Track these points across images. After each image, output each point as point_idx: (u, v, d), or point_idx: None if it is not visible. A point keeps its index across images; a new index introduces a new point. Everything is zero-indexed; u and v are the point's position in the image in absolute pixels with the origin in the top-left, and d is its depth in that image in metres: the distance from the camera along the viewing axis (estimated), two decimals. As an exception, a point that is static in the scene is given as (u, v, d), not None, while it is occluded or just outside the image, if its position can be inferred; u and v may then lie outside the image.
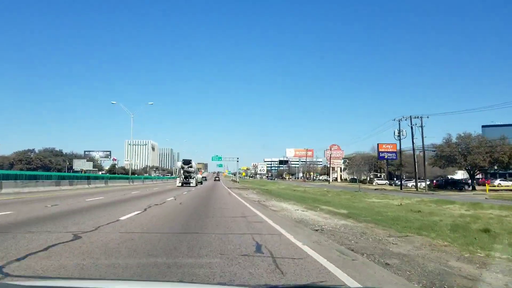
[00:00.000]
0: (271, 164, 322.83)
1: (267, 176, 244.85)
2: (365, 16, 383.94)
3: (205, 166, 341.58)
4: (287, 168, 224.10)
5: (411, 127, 50.31)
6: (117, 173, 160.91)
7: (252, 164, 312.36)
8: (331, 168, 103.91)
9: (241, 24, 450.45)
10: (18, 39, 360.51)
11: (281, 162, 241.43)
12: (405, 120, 53.61)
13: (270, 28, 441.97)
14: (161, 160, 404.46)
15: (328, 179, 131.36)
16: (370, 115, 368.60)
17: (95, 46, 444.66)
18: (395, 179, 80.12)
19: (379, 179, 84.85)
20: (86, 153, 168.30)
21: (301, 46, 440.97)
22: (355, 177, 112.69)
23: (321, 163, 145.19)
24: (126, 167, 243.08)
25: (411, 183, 62.75)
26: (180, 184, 51.03)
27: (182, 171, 52.68)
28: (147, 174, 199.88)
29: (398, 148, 54.10)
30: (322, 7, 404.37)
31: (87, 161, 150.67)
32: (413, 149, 50.77)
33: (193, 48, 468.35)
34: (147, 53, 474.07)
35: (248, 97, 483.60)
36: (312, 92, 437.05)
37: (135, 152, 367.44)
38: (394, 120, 54.73)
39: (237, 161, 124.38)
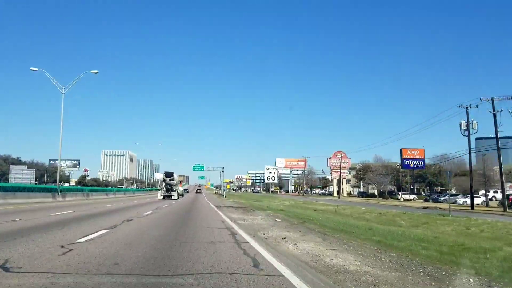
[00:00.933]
0: (255, 176, 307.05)
1: (252, 190, 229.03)
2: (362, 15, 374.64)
3: (186, 178, 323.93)
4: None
5: (494, 114, 34.08)
6: (87, 184, 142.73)
7: (236, 177, 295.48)
8: (341, 179, 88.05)
9: (225, 30, 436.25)
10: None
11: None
12: (464, 108, 37.76)
13: (252, 33, 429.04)
14: (140, 172, 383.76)
15: (327, 192, 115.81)
16: (369, 124, 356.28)
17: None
18: (423, 193, 64.40)
19: (404, 193, 68.55)
20: (52, 162, 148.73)
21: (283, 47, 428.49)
22: (364, 191, 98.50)
23: (315, 174, 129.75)
24: (100, 179, 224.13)
25: (461, 199, 47.36)
26: (161, 197, 49.45)
27: (164, 184, 51.56)
28: (124, 186, 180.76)
29: (468, 145, 37.44)
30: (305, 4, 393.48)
31: (52, 170, 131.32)
32: (498, 146, 34.43)
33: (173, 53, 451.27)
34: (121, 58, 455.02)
35: (229, 109, 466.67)
36: (301, 100, 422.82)
37: (112, 163, 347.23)
38: (459, 106, 38.58)
39: (222, 171, 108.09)
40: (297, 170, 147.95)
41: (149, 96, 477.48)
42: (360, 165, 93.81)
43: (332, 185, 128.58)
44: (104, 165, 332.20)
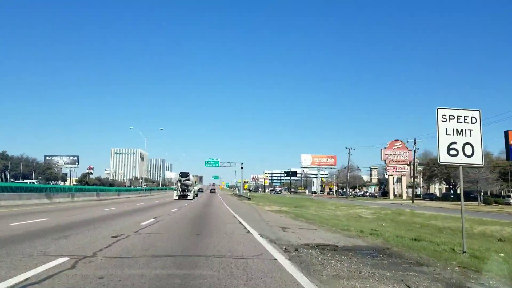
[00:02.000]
0: (271, 176, 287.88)
1: (271, 190, 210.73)
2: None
3: (200, 178, 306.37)
4: (297, 180, 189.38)
5: None
6: (89, 184, 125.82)
7: (251, 177, 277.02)
8: (402, 177, 68.89)
9: (240, 26, 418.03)
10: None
11: (287, 173, 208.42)
12: None
13: (276, 30, 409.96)
14: (153, 171, 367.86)
15: (370, 194, 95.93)
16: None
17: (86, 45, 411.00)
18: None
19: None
20: (47, 158, 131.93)
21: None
22: (429, 192, 79.02)
23: (354, 171, 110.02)
24: (107, 177, 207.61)
25: None
26: (177, 197, 49.89)
27: (179, 184, 52.06)
28: (126, 185, 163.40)
29: None
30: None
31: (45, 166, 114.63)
32: None
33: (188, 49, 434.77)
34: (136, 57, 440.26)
35: (243, 107, 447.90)
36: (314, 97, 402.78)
37: (122, 161, 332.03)
38: None
39: (241, 167, 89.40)
40: (324, 168, 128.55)
41: (162, 92, 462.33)
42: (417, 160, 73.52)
43: (369, 185, 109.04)
44: (113, 164, 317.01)
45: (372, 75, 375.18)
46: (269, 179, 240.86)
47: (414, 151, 60.49)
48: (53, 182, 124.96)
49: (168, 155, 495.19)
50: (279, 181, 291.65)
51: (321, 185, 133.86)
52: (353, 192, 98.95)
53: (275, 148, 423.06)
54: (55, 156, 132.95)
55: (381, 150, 76.35)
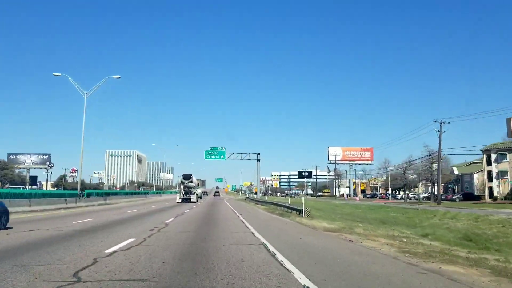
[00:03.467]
0: (279, 177, 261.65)
1: (282, 193, 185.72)
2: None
3: (202, 182, 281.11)
4: (312, 181, 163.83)
5: None
6: (66, 188, 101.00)
7: (260, 179, 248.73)
8: None
9: (248, 24, 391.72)
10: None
11: (301, 174, 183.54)
12: None
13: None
14: (152, 175, 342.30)
15: (423, 196, 70.64)
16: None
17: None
18: None
19: None
20: (12, 157, 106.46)
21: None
22: None
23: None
24: (100, 181, 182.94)
25: None
26: (180, 200, 48.13)
27: (182, 186, 50.67)
28: (125, 190, 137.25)
29: None
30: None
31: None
32: None
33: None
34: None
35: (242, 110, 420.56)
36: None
37: (117, 164, 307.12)
38: None
39: (258, 159, 64.10)
40: (357, 165, 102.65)
41: (161, 94, 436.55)
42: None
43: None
44: (108, 167, 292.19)
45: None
46: (283, 181, 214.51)
47: None
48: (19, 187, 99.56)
49: (167, 156, 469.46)
50: (288, 184, 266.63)
51: (350, 185, 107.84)
52: (402, 195, 71.93)
53: (283, 148, 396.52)
54: (21, 154, 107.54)
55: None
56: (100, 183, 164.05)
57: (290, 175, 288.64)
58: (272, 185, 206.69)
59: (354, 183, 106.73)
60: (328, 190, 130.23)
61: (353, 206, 45.77)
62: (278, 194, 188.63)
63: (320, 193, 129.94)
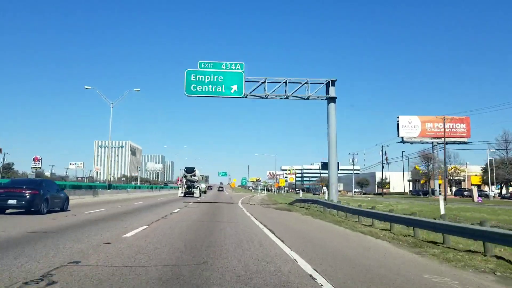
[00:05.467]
0: (288, 171, 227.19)
1: (297, 190, 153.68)
2: None
3: (206, 178, 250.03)
4: (342, 174, 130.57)
5: None
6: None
7: (268, 173, 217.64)
8: None
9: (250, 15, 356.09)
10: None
11: (324, 166, 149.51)
12: None
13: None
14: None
15: None
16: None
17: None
18: None
19: None
20: None
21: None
22: None
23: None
24: (68, 174, 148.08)
25: None
26: (182, 195, 46.29)
27: (184, 180, 48.21)
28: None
29: None
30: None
31: None
32: None
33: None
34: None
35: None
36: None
37: (109, 156, 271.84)
38: None
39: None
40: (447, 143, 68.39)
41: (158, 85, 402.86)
42: None
43: None
44: (99, 159, 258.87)
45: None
46: (298, 176, 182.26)
47: None
48: None
49: (166, 148, 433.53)
50: (301, 179, 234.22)
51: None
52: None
53: (293, 142, 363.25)
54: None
55: None
56: (88, 177, 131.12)
57: (302, 170, 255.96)
58: (287, 180, 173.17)
59: (423, 173, 72.41)
60: (388, 186, 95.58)
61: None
62: (290, 190, 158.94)
63: (361, 190, 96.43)
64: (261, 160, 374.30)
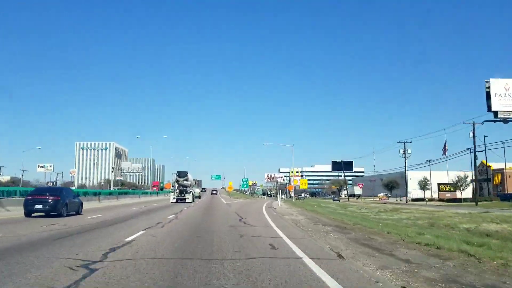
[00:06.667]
0: (288, 173, 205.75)
1: (303, 195, 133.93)
2: None
3: (198, 182, 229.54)
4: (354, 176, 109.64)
5: None
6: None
7: (266, 176, 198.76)
8: None
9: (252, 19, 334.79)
10: None
11: (335, 165, 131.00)
12: None
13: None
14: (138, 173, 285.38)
15: None
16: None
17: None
18: None
19: None
20: None
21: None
22: None
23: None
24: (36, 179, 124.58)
25: None
26: (174, 200, 44.86)
27: (176, 185, 46.88)
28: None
29: None
30: None
31: None
32: None
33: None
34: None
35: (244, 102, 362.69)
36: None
37: (92, 159, 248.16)
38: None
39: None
40: None
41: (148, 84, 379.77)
42: None
43: None
44: (80, 162, 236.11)
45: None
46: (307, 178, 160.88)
47: None
48: None
49: (156, 152, 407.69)
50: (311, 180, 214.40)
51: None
52: None
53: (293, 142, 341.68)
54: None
55: None
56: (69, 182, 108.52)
57: (303, 172, 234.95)
58: (291, 182, 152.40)
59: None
60: (450, 188, 72.37)
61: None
62: (292, 194, 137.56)
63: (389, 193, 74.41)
64: (257, 163, 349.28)
